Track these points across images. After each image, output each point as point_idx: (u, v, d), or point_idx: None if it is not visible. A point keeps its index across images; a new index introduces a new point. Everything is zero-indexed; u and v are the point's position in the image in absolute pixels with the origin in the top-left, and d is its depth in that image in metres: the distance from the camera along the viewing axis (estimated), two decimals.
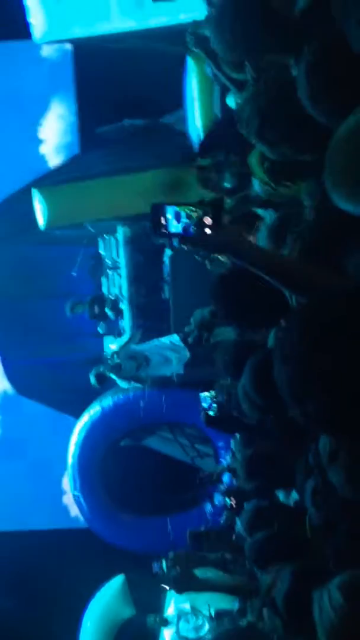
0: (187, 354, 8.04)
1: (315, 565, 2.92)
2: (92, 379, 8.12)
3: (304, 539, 3.36)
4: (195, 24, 5.62)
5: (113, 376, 8.26)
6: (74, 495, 10.08)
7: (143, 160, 9.33)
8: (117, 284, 9.51)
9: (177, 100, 9.06)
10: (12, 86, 11.18)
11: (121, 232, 9.42)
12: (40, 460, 11.60)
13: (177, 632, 7.54)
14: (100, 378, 8.14)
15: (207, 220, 2.15)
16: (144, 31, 9.21)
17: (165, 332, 8.58)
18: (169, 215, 2.18)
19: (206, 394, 4.43)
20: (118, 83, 9.84)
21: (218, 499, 5.19)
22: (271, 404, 2.70)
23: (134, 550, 9.74)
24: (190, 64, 8.50)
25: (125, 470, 10.04)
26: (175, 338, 8.18)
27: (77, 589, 9.49)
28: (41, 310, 10.86)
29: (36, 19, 9.62)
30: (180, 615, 7.56)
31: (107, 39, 9.50)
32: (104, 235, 9.57)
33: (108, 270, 9.56)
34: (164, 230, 2.19)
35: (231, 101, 6.73)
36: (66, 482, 10.73)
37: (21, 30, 9.74)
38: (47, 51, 11.05)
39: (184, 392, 8.81)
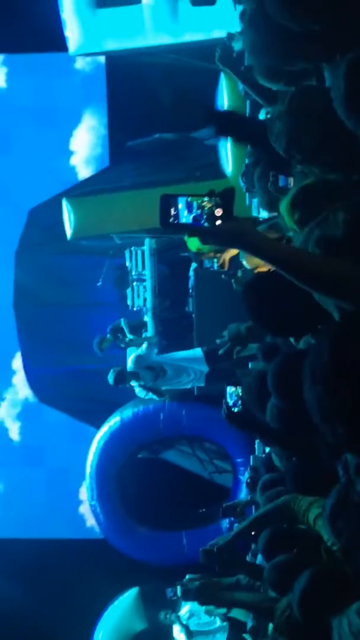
0: (207, 368, 7.99)
1: (333, 571, 2.88)
2: (111, 376, 7.96)
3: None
4: (230, 36, 5.62)
5: (134, 383, 8.20)
6: (91, 505, 10.08)
7: (172, 175, 9.39)
8: (141, 296, 9.54)
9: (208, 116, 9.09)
10: (45, 97, 11.33)
11: (147, 244, 9.46)
12: (59, 468, 11.64)
13: (187, 627, 7.56)
14: (119, 378, 7.99)
15: (218, 212, 2.06)
16: (178, 46, 9.28)
17: (188, 345, 8.57)
18: (180, 205, 2.09)
19: (232, 389, 4.30)
20: (150, 97, 9.93)
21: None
22: (294, 407, 2.65)
23: (148, 562, 9.71)
24: (223, 80, 8.56)
25: (142, 482, 10.03)
26: (198, 352, 8.15)
27: (91, 600, 9.48)
28: (65, 319, 10.92)
29: (72, 31, 9.74)
30: (193, 613, 7.58)
31: (140, 53, 9.59)
32: (130, 247, 9.62)
33: (133, 282, 9.59)
34: (174, 221, 2.11)
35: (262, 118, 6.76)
36: (83, 492, 10.74)
37: (56, 42, 9.87)
38: (80, 64, 11.19)
39: (204, 407, 8.80)
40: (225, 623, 7.20)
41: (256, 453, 7.09)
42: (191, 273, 8.99)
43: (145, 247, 9.44)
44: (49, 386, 11.09)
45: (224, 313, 7.91)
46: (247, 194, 6.85)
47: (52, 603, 10.45)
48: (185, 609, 7.73)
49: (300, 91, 2.89)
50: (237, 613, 6.57)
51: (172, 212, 2.10)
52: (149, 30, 9.21)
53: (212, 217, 2.07)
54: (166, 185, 9.27)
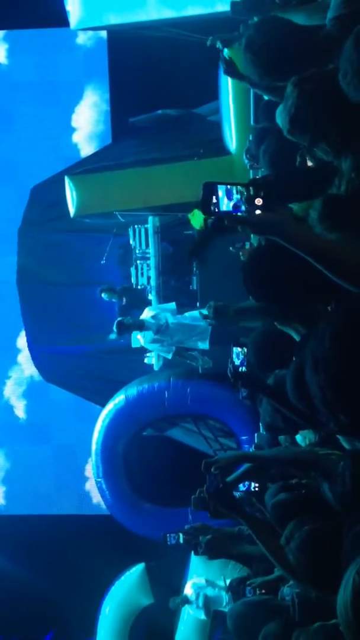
0: (209, 329, 8.01)
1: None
2: (115, 327, 8.07)
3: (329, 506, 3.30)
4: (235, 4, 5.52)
5: (137, 333, 8.20)
6: (97, 482, 10.16)
7: (175, 151, 9.31)
8: (145, 275, 9.52)
9: (211, 91, 9.00)
10: (47, 73, 11.22)
11: (151, 222, 9.42)
12: (65, 446, 11.72)
13: (197, 606, 7.63)
14: (122, 327, 8.06)
15: (258, 200, 2.14)
16: (180, 20, 9.13)
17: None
18: (220, 193, 2.18)
19: (239, 349, 4.32)
20: (152, 72, 9.81)
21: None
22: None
23: (154, 538, 9.79)
24: (226, 54, 8.42)
25: (148, 459, 10.09)
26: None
27: (97, 575, 9.59)
28: (70, 297, 10.91)
29: (73, 6, 9.59)
30: (199, 591, 7.64)
31: (142, 28, 9.45)
32: (134, 226, 9.58)
33: (137, 261, 9.56)
34: (215, 209, 2.19)
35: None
36: (89, 469, 10.83)
37: (58, 17, 9.74)
38: (82, 39, 11.05)
39: (209, 385, 8.81)
40: (229, 594, 7.26)
41: (261, 431, 7.10)
42: None
43: (149, 225, 9.40)
44: (53, 365, 11.11)
45: (228, 290, 7.89)
46: (251, 171, 6.80)
47: (59, 578, 10.59)
48: (187, 587, 7.79)
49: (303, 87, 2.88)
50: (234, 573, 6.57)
51: (214, 199, 2.16)
52: (151, 4, 9.06)
53: (251, 205, 2.12)
54: (169, 162, 9.21)
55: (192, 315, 8.24)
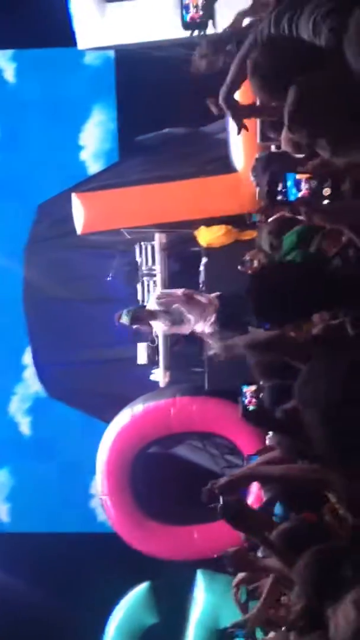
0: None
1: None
2: (126, 316, 7.59)
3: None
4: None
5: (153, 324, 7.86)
6: (102, 499, 10.12)
7: (182, 169, 9.38)
8: (151, 291, 9.53)
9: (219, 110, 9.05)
10: (54, 92, 11.33)
11: (157, 239, 9.46)
12: (70, 463, 11.68)
13: None
14: (136, 316, 7.57)
15: (326, 191, 2.15)
16: (188, 40, 9.22)
17: (197, 341, 8.56)
18: (289, 183, 2.22)
19: (247, 387, 4.35)
20: (159, 91, 9.90)
21: None
22: None
23: (160, 556, 9.74)
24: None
25: (153, 477, 10.05)
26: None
27: (102, 594, 9.54)
28: (75, 314, 10.93)
29: (81, 26, 9.70)
30: None
31: (150, 47, 9.55)
32: (141, 242, 9.62)
33: (143, 277, 9.60)
34: (282, 198, 2.25)
35: None
36: (94, 486, 10.79)
37: (65, 37, 9.84)
38: (90, 58, 11.17)
39: (215, 402, 8.81)
40: None
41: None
42: (201, 268, 9.00)
43: (155, 242, 9.45)
44: (58, 381, 11.11)
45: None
46: (257, 188, 6.84)
47: (63, 597, 10.51)
48: None
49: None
50: None
51: (281, 188, 2.19)
52: (159, 24, 9.16)
53: (319, 196, 2.16)
54: (175, 179, 9.27)
55: None
